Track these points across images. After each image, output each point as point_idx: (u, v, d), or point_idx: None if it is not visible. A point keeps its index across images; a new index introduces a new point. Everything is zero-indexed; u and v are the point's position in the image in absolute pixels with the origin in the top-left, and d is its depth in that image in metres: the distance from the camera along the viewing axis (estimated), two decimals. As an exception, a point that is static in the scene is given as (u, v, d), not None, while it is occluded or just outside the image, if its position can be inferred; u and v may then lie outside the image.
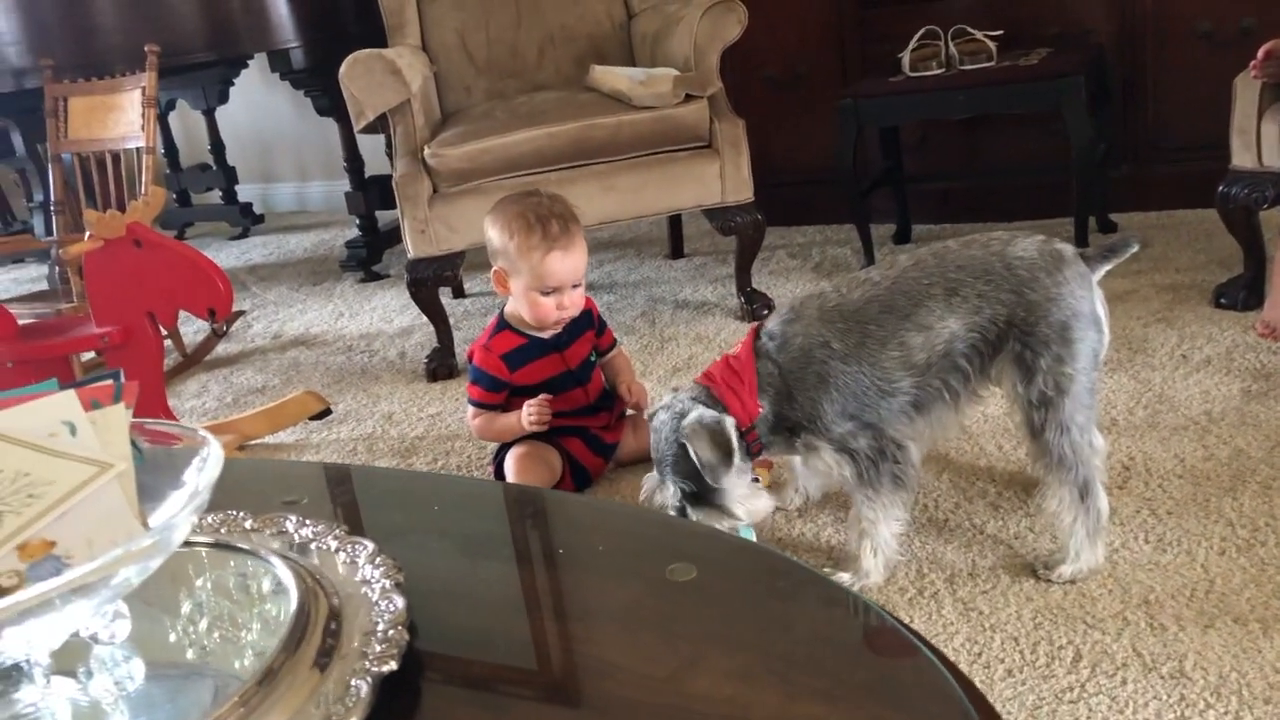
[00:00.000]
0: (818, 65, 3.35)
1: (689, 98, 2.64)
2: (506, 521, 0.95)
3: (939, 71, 2.79)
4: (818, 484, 1.83)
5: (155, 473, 0.81)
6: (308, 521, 0.91)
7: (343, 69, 2.63)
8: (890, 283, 1.55)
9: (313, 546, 0.88)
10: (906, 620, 1.51)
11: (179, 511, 0.69)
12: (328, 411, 2.51)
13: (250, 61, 4.30)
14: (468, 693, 0.72)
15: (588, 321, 2.10)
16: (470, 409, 2.07)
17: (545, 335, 2.04)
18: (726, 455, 1.53)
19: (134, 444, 0.80)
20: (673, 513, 1.58)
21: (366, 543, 0.85)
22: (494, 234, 2.00)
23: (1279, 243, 2.19)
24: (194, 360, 3.16)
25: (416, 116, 2.71)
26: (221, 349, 3.26)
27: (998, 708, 1.31)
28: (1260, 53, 2.15)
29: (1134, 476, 1.78)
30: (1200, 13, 2.87)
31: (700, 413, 1.55)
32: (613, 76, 2.77)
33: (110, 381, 0.85)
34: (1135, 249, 1.60)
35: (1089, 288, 1.52)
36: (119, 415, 0.81)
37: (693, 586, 0.78)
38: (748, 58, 3.27)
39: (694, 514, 1.59)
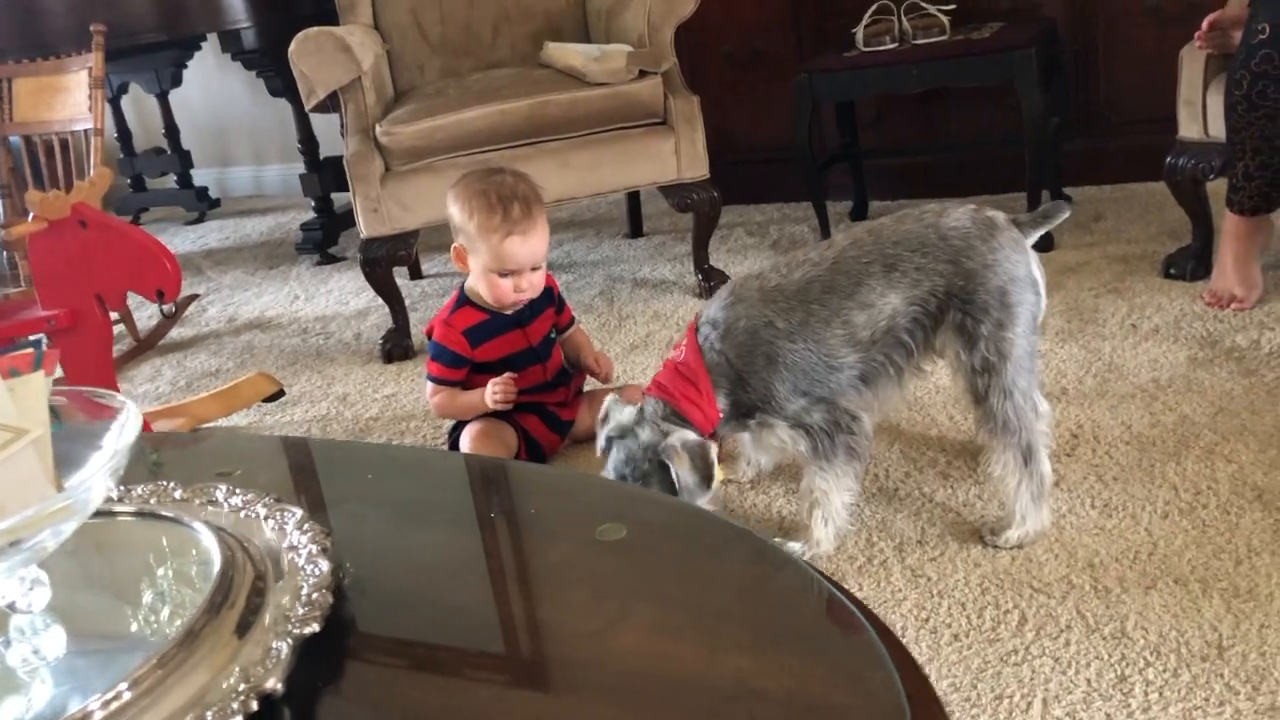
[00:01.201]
0: (774, 42, 3.35)
1: (643, 74, 2.63)
2: (440, 488, 0.94)
3: (892, 46, 2.80)
4: (769, 456, 1.84)
5: (77, 441, 0.80)
6: (238, 491, 0.90)
7: (292, 47, 2.60)
8: (830, 263, 1.56)
9: (241, 515, 0.87)
10: (855, 588, 1.52)
11: (93, 474, 0.68)
12: (281, 393, 2.49)
13: (203, 44, 4.25)
14: (392, 653, 0.72)
15: (549, 299, 2.09)
16: (430, 386, 2.05)
17: (507, 311, 2.03)
18: (706, 480, 1.54)
19: (53, 411, 0.78)
20: None
21: (295, 510, 0.84)
22: (455, 210, 1.98)
23: (1225, 213, 2.21)
24: (147, 345, 3.12)
25: (368, 94, 2.68)
26: (175, 333, 3.23)
27: (944, 671, 1.33)
28: (1205, 23, 2.17)
29: (1082, 444, 1.80)
30: (1149, -13, 2.89)
31: (684, 435, 1.55)
32: (567, 53, 2.75)
33: (30, 350, 0.84)
34: (1067, 214, 1.62)
35: (1024, 252, 1.54)
36: (38, 383, 0.79)
37: (622, 546, 0.78)
38: (705, 34, 3.26)
39: None
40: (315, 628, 0.70)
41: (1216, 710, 1.20)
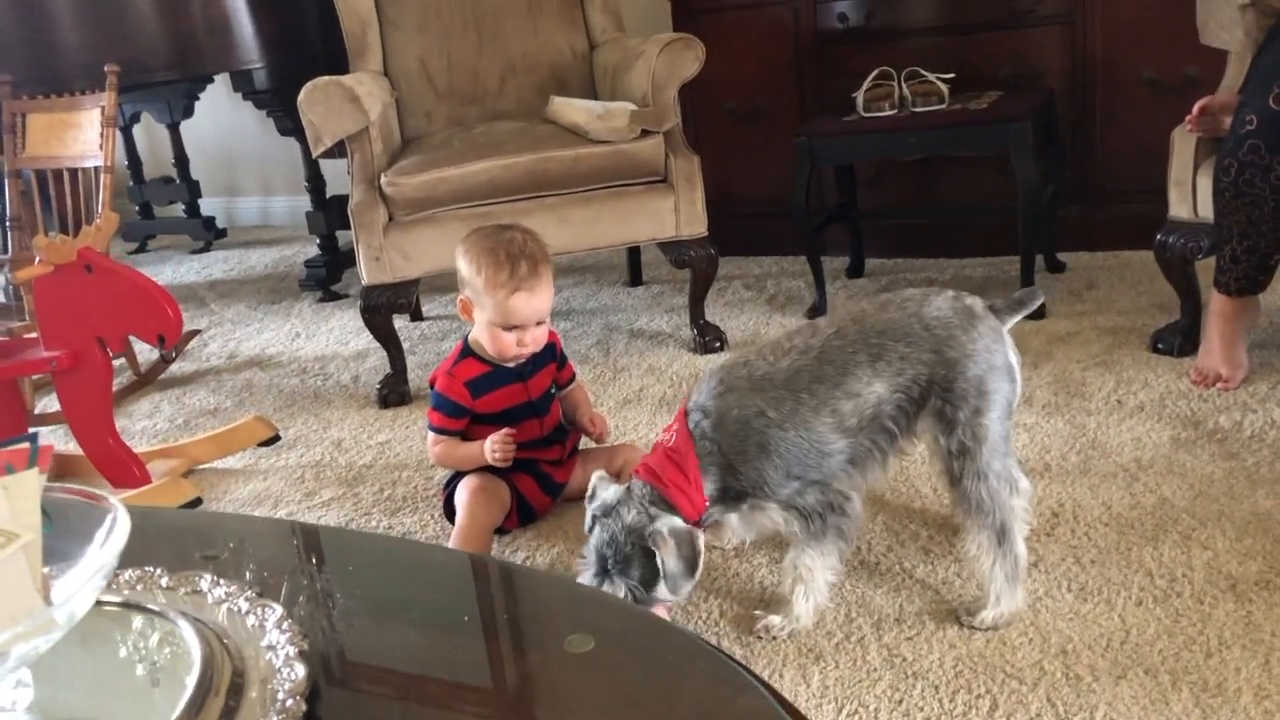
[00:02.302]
0: (776, 99, 3.40)
1: (645, 133, 2.67)
2: (418, 585, 0.97)
3: (891, 112, 2.84)
4: (756, 534, 1.86)
5: (67, 536, 0.83)
6: (222, 581, 0.93)
7: (301, 96, 2.64)
8: (816, 352, 1.59)
9: (223, 608, 0.89)
10: (832, 665, 1.54)
11: (77, 590, 0.71)
12: (276, 438, 2.52)
13: (215, 78, 4.31)
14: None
15: (550, 354, 2.12)
16: (430, 435, 2.08)
17: (509, 364, 2.06)
18: (691, 570, 1.55)
19: (44, 511, 0.81)
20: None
21: (275, 606, 0.87)
22: (463, 264, 2.02)
23: (1213, 293, 2.24)
24: (146, 380, 3.15)
25: (374, 144, 2.73)
26: (176, 368, 3.26)
27: (914, 756, 1.34)
28: (1195, 108, 2.22)
29: (1062, 523, 1.83)
30: (1146, 61, 2.94)
31: (672, 521, 1.56)
32: (571, 109, 2.80)
33: (26, 445, 0.87)
34: (1040, 300, 1.67)
35: (1002, 340, 1.58)
36: (32, 481, 0.82)
37: (589, 659, 0.80)
38: (709, 88, 3.31)
39: None
40: (287, 737, 0.73)
41: (1178, 811, 1.21)
